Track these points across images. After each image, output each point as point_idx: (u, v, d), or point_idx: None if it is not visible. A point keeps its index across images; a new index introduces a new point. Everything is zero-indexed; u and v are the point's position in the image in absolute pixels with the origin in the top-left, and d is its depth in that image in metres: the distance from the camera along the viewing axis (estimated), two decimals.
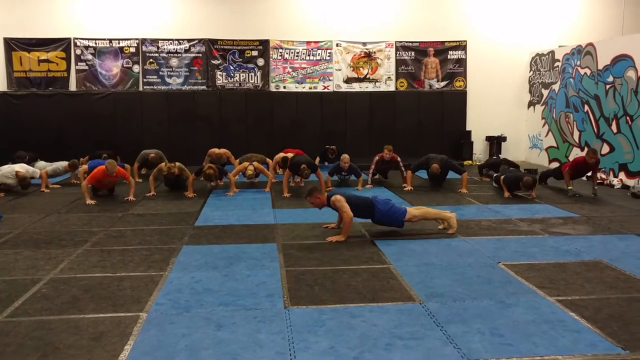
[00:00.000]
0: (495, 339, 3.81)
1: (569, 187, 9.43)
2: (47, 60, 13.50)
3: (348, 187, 10.18)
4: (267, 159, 11.07)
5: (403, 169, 10.41)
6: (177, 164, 9.77)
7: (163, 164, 9.93)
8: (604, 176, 10.64)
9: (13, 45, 13.37)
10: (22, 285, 4.92)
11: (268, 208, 8.44)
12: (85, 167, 10.59)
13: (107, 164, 8.86)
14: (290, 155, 10.57)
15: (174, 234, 6.81)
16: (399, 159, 10.46)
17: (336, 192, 6.77)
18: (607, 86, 11.10)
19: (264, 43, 14.01)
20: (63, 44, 13.52)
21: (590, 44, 11.82)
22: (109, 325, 4.05)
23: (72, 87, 13.66)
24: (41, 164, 10.90)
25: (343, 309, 4.33)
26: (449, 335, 3.85)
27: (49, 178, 10.23)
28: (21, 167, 9.87)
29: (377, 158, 10.51)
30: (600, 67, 11.37)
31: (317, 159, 12.38)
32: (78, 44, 13.56)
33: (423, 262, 5.60)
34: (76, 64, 13.62)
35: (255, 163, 10.14)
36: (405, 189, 9.96)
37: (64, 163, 10.73)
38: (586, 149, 11.71)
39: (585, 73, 11.92)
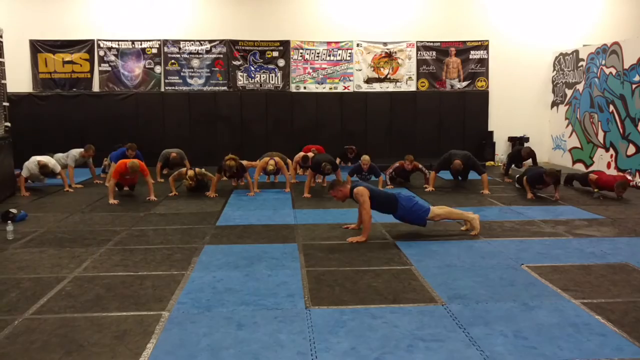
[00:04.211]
0: (518, 341, 3.76)
1: (595, 190, 9.28)
2: (71, 62, 13.71)
3: None
4: (288, 160, 11.05)
5: (426, 171, 10.31)
6: (197, 170, 9.74)
7: (184, 170, 9.88)
8: (630, 177, 10.44)
9: (38, 47, 13.60)
10: (47, 283, 4.99)
11: (288, 208, 8.45)
12: (113, 165, 10.67)
13: (129, 165, 8.96)
14: (310, 154, 10.57)
15: (195, 234, 6.85)
16: (420, 166, 10.34)
17: (360, 184, 6.72)
18: (634, 86, 10.89)
19: (285, 44, 14.04)
20: (87, 46, 13.72)
21: (616, 43, 11.62)
22: (132, 323, 4.08)
23: (96, 87, 13.84)
24: (57, 155, 10.91)
25: (364, 310, 4.31)
26: (471, 338, 3.81)
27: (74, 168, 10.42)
28: (43, 157, 10.01)
29: (397, 164, 10.42)
30: (626, 66, 11.16)
31: (337, 160, 12.36)
32: (101, 45, 13.74)
33: (445, 264, 5.55)
34: (99, 65, 13.80)
35: (276, 158, 10.12)
36: (426, 189, 9.89)
37: (78, 150, 10.79)
38: (611, 150, 11.54)
39: (610, 72, 11.72)
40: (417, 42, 14.24)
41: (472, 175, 10.57)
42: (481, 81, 14.43)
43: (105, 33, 13.72)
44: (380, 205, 6.54)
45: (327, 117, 14.13)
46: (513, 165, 11.59)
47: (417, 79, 14.36)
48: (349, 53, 14.19)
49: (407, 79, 14.36)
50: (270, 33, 13.98)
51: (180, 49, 13.89)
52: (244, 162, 10.29)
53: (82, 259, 5.76)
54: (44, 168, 9.73)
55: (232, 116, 14.01)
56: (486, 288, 4.82)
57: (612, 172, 11.00)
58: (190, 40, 13.88)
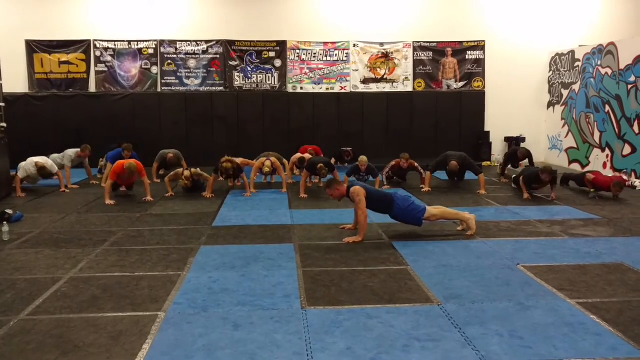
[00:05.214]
0: (514, 341, 3.77)
1: (591, 190, 9.31)
2: (67, 62, 13.68)
3: None
4: (284, 160, 11.06)
5: (422, 171, 10.33)
6: (193, 170, 9.71)
7: (180, 171, 9.85)
8: (625, 177, 10.47)
9: (34, 47, 13.57)
10: (43, 284, 4.98)
11: (285, 208, 8.45)
12: (110, 165, 10.66)
13: (127, 166, 8.94)
14: (307, 156, 10.56)
15: (191, 234, 6.84)
16: (416, 164, 10.37)
17: (356, 184, 6.74)
18: (629, 86, 10.93)
19: (282, 44, 14.04)
20: (83, 46, 13.69)
21: (612, 44, 11.65)
22: (128, 324, 4.08)
23: (92, 88, 13.82)
24: (53, 155, 10.90)
25: (360, 310, 4.31)
26: (467, 338, 3.82)
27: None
28: (40, 159, 9.98)
29: (393, 163, 10.46)
30: (621, 66, 11.20)
31: (333, 160, 12.36)
32: (98, 45, 13.72)
33: (441, 264, 5.55)
34: (96, 66, 13.77)
35: (272, 158, 10.09)
36: (423, 190, 9.90)
37: (74, 150, 10.79)
38: (607, 150, 11.57)
39: (606, 73, 11.75)
40: (413, 42, 14.25)
41: (469, 175, 10.59)
42: (478, 81, 14.45)
43: (101, 33, 13.70)
44: (376, 205, 6.58)
45: (324, 117, 14.14)
46: (509, 166, 11.61)
47: (414, 80, 14.38)
48: (346, 53, 14.19)
49: (403, 80, 14.37)
50: (267, 33, 13.98)
51: (176, 49, 13.88)
52: (241, 160, 10.27)
53: (78, 260, 5.75)
54: (42, 170, 9.71)
55: (228, 116, 14.00)
56: (482, 288, 4.82)
57: (608, 172, 11.05)
58: (186, 41, 13.87)
